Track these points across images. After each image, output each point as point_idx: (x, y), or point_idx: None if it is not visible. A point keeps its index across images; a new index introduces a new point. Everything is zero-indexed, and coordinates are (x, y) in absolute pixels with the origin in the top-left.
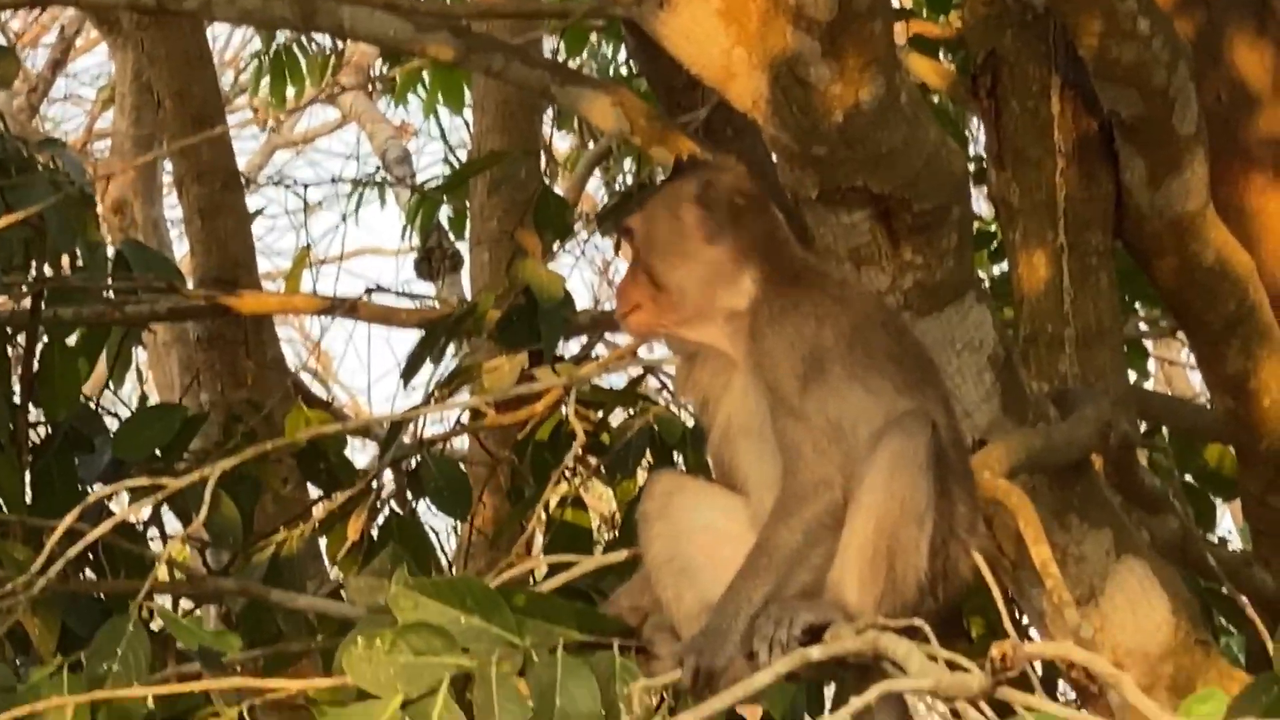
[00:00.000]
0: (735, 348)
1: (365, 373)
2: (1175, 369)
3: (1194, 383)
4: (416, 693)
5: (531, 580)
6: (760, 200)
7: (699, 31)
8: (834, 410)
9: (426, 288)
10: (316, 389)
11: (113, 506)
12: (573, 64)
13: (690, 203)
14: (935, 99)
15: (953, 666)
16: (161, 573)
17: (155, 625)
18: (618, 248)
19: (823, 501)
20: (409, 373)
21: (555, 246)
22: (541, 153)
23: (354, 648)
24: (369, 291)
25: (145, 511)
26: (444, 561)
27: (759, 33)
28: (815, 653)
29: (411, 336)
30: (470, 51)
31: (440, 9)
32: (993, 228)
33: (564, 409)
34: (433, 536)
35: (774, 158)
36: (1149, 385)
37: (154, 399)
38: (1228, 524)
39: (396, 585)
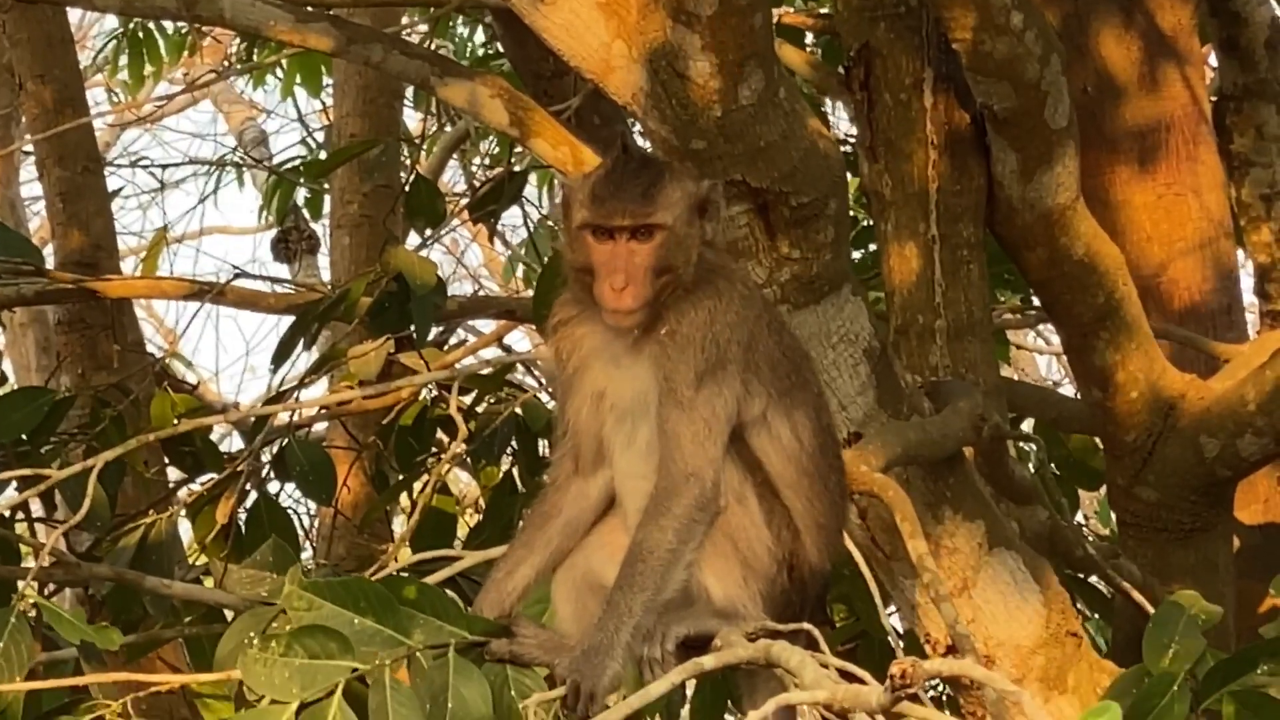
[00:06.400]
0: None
1: (215, 354)
2: (1022, 353)
3: (1040, 367)
4: (312, 696)
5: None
6: None
7: (579, 24)
8: (719, 407)
9: (281, 269)
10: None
11: None
12: (430, 46)
13: (702, 207)
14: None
15: (844, 674)
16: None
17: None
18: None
19: (693, 494)
20: (280, 358)
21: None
22: (404, 137)
23: (250, 650)
24: (235, 276)
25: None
26: (308, 545)
27: (639, 26)
28: (708, 662)
29: (261, 318)
30: (350, 42)
31: None
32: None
33: (426, 394)
34: (295, 520)
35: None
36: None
37: (11, 380)
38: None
39: (290, 584)
